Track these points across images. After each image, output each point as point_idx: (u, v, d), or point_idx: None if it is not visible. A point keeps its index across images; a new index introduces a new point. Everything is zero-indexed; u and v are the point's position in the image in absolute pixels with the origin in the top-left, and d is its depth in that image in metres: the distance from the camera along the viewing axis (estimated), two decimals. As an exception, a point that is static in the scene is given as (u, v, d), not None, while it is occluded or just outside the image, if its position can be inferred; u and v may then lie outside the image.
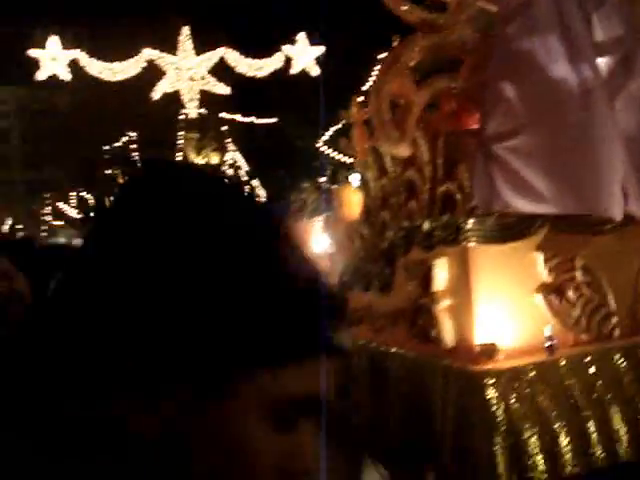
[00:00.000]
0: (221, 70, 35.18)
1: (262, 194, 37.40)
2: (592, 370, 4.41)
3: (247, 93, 35.23)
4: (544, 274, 4.58)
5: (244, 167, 38.08)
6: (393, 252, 5.27)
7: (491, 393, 4.16)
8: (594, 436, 4.24)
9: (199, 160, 40.53)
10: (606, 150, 4.55)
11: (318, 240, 7.31)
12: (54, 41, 31.92)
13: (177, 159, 37.48)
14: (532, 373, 4.29)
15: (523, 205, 4.48)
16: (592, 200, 4.59)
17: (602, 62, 4.70)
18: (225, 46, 34.08)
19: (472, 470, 4.16)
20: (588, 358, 4.41)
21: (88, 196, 39.36)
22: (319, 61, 32.28)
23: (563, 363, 4.36)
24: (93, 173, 39.71)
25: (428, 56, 4.73)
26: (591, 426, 4.24)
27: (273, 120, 36.19)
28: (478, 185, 4.48)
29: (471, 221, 4.45)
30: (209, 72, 34.14)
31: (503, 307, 4.49)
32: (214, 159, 41.74)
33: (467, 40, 4.76)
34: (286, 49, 32.90)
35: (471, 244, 4.47)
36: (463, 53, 4.83)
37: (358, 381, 5.51)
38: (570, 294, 4.60)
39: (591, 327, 4.63)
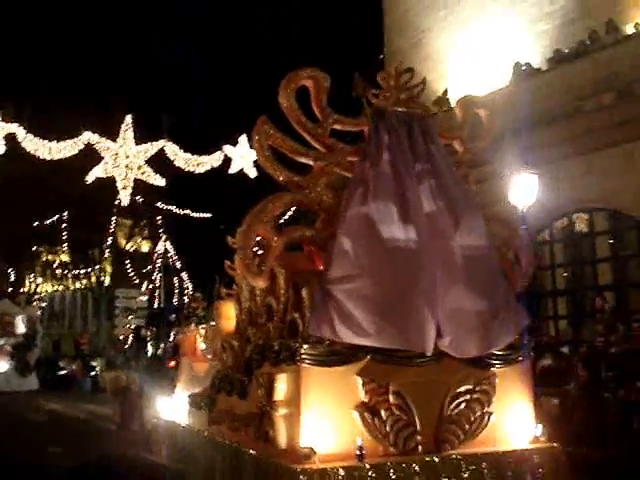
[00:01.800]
0: (160, 161, 36.56)
1: (189, 286, 38.43)
2: (393, 476, 5.64)
3: (184, 186, 36.62)
4: (362, 395, 5.85)
5: (174, 258, 39.07)
6: (251, 364, 6.53)
7: (305, 485, 5.35)
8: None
9: (129, 246, 41.52)
10: (425, 297, 5.92)
11: (201, 346, 8.53)
12: (-9, 112, 32.84)
13: (107, 243, 38.45)
14: (341, 474, 5.50)
15: (350, 337, 5.78)
16: (409, 336, 5.92)
17: (432, 222, 6.13)
18: (166, 138, 35.57)
19: None
20: (389, 466, 5.65)
21: (9, 270, 39.75)
22: (258, 165, 33.92)
23: (368, 468, 5.58)
24: (19, 248, 40.20)
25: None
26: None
27: (207, 215, 37.60)
28: (315, 317, 5.79)
29: (305, 346, 5.75)
30: (146, 162, 35.45)
31: (325, 419, 5.74)
32: (145, 247, 42.77)
33: (323, 199, 6.18)
34: (227, 149, 34.51)
35: (304, 365, 5.74)
36: (319, 209, 6.24)
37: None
38: (382, 413, 5.87)
39: (398, 442, 5.89)
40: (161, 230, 38.64)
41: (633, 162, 14.56)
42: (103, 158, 34.90)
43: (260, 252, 6.25)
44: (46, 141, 33.14)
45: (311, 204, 6.24)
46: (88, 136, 34.04)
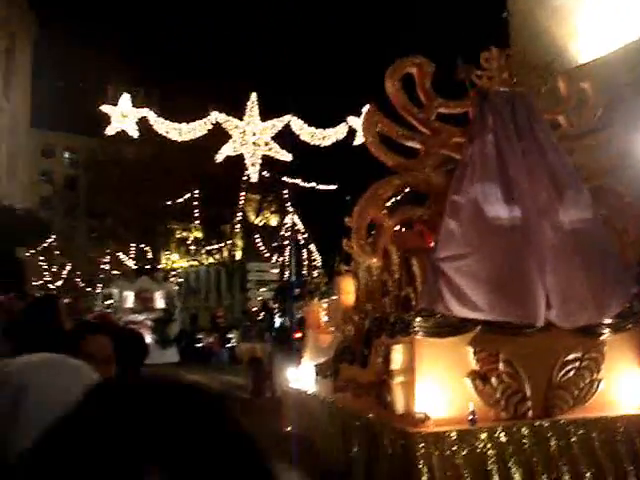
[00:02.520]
0: (286, 136, 37.62)
1: (318, 258, 39.55)
2: (503, 440, 6.11)
3: (310, 159, 37.54)
4: (473, 363, 6.34)
5: (302, 231, 40.19)
6: (370, 336, 7.12)
7: (420, 449, 5.91)
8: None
9: (258, 220, 43.07)
10: (533, 272, 6.32)
11: (324, 319, 9.23)
12: (126, 98, 34.73)
13: (237, 218, 40.05)
14: (454, 437, 6.02)
15: (460, 311, 6.27)
16: (520, 309, 6.34)
17: (537, 198, 6.50)
18: (291, 113, 36.56)
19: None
20: (500, 431, 6.12)
21: (147, 248, 42.07)
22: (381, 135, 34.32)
23: (479, 431, 6.08)
24: (153, 227, 42.53)
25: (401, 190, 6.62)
26: (494, 476, 5.92)
27: (333, 187, 38.44)
28: (427, 292, 6.31)
29: (418, 319, 6.28)
30: (273, 138, 36.60)
31: (438, 386, 6.27)
32: (273, 220, 44.21)
33: (431, 180, 6.65)
34: (350, 120, 35.08)
35: (418, 336, 6.28)
36: (428, 189, 6.72)
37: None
38: (493, 380, 6.34)
39: (508, 407, 6.34)
40: (289, 204, 39.76)
41: None
42: (231, 137, 36.37)
43: (374, 232, 6.81)
44: (176, 123, 34.84)
45: (420, 185, 6.73)
46: (215, 115, 35.49)
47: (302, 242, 39.77)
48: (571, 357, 6.52)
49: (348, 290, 8.10)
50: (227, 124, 35.42)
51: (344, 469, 6.93)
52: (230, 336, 30.15)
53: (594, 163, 7.06)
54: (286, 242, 38.38)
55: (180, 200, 39.27)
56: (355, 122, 35.29)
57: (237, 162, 37.01)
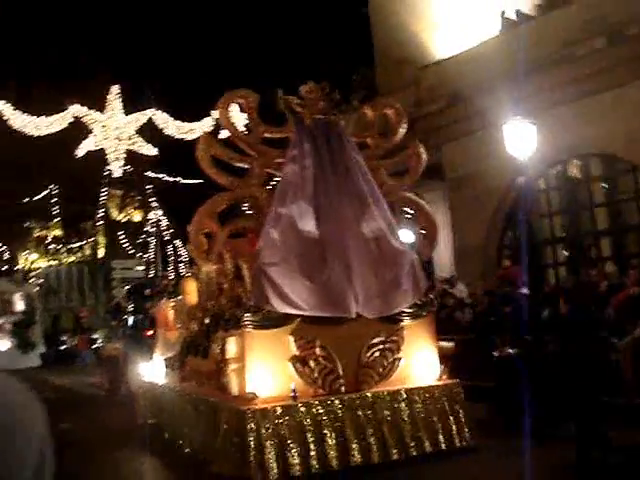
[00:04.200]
0: (149, 129, 38.29)
1: (184, 254, 40.50)
2: (320, 411, 7.68)
3: (173, 153, 38.36)
4: (294, 350, 7.88)
5: (166, 226, 41.01)
6: (209, 330, 8.57)
7: (250, 423, 7.39)
8: (312, 448, 7.48)
9: (121, 217, 43.52)
10: (342, 273, 7.92)
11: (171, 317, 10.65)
12: (-23, 91, 34.48)
13: (99, 215, 40.44)
14: (279, 411, 7.54)
15: (282, 307, 7.79)
16: (333, 305, 7.93)
17: (344, 212, 8.10)
18: (155, 107, 37.27)
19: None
20: (317, 404, 7.69)
21: (2, 248, 41.82)
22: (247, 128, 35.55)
23: (299, 405, 7.62)
24: (9, 226, 42.16)
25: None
26: (311, 443, 7.48)
27: (198, 181, 39.41)
28: (254, 292, 7.80)
29: (247, 314, 7.77)
30: (137, 132, 37.22)
31: (265, 370, 7.78)
32: (136, 217, 44.74)
33: (257, 196, 8.15)
34: (215, 115, 36.18)
35: (247, 329, 7.77)
36: (255, 203, 8.22)
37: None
38: (311, 363, 7.91)
39: (324, 385, 7.93)
40: (152, 199, 40.46)
41: (624, 106, 15.28)
42: (92, 131, 36.71)
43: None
44: (34, 117, 34.80)
45: (247, 200, 8.22)
46: (75, 109, 35.69)
47: (167, 238, 40.65)
48: (376, 341, 8.18)
49: (191, 291, 9.55)
50: (87, 118, 35.78)
51: (191, 449, 8.36)
52: (95, 336, 30.70)
53: (392, 181, 8.76)
54: (151, 238, 39.21)
55: (37, 197, 39.22)
56: (219, 116, 36.39)
57: (97, 157, 37.34)
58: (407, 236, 8.82)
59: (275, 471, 7.31)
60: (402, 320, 8.34)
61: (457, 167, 19.67)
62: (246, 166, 8.29)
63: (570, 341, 8.60)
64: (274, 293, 7.77)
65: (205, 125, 36.99)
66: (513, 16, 19.51)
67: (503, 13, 19.63)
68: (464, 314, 15.07)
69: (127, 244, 40.60)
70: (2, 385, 1.30)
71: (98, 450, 9.35)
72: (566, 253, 18.15)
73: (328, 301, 7.92)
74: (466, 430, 8.15)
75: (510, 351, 9.95)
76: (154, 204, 40.81)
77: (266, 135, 8.39)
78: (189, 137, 37.15)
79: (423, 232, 8.87)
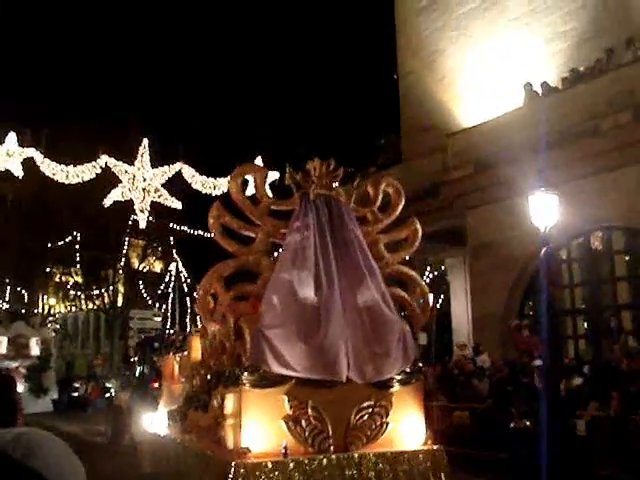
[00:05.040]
0: (176, 184, 39.38)
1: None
2: (308, 468, 8.35)
3: (198, 208, 39.42)
4: (287, 409, 8.58)
5: (186, 279, 41.95)
6: (210, 386, 9.31)
7: (241, 476, 8.07)
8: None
9: (142, 267, 44.57)
10: (336, 340, 8.65)
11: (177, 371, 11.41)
12: (11, 137, 35.87)
13: (120, 263, 41.49)
14: (269, 466, 8.22)
15: (278, 368, 8.52)
16: (326, 369, 8.64)
17: (340, 282, 8.87)
18: (182, 161, 38.48)
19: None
20: (306, 461, 8.35)
21: (23, 292, 42.92)
22: (273, 186, 36.26)
23: (290, 461, 8.29)
24: (31, 269, 43.34)
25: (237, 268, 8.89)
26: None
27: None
28: (253, 352, 8.54)
29: (245, 373, 8.50)
30: (163, 185, 38.34)
31: (259, 427, 8.47)
32: (157, 267, 45.85)
33: (260, 263, 8.95)
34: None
35: (245, 387, 8.49)
36: (258, 270, 9.01)
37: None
38: (303, 422, 8.59)
39: (314, 444, 8.59)
40: (174, 251, 41.50)
41: None
42: (120, 181, 37.87)
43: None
44: (63, 165, 36.07)
45: (252, 267, 9.02)
46: (105, 159, 36.90)
47: (187, 290, 41.57)
48: (365, 405, 8.85)
49: (197, 347, 10.32)
50: (116, 169, 36.98)
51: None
52: (109, 385, 31.35)
53: (389, 255, 9.54)
54: (170, 290, 40.14)
55: (61, 243, 40.37)
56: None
57: (122, 206, 38.38)
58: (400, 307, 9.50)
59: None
60: (391, 386, 9.02)
61: (480, 234, 20.38)
62: (252, 235, 9.10)
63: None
64: (271, 354, 8.50)
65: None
66: (539, 88, 20.31)
67: (528, 85, 20.46)
68: (482, 382, 15.56)
69: (146, 294, 41.55)
70: (51, 441, 1.60)
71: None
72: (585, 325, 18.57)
73: (321, 365, 8.64)
74: (447, 495, 8.78)
75: (527, 423, 10.47)
76: (175, 255, 41.87)
77: (274, 207, 9.21)
78: (214, 192, 38.20)
79: (416, 304, 9.59)
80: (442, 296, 26.86)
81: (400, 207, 9.82)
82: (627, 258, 17.88)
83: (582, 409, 11.54)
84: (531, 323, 17.43)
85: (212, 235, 9.11)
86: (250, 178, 9.48)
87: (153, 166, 38.51)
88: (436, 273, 28.90)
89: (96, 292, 43.08)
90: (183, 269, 41.44)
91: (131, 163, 38.02)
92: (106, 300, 42.97)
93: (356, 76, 34.50)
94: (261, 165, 38.75)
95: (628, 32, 18.63)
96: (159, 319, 40.93)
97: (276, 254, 9.34)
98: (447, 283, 25.81)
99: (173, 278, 41.16)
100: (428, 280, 30.37)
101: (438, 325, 29.14)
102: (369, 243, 9.35)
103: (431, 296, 9.88)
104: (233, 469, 8.14)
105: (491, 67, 22.80)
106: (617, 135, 16.26)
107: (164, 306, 42.41)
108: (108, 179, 37.46)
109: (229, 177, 9.08)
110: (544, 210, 13.28)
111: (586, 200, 16.77)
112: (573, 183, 16.49)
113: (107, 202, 37.55)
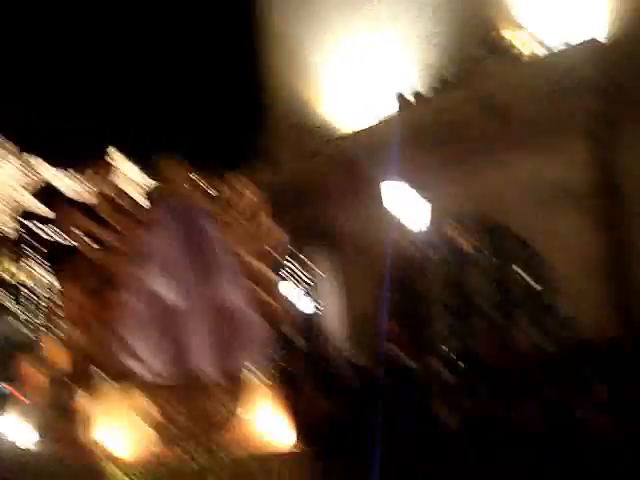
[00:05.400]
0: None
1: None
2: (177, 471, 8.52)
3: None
4: (153, 412, 8.71)
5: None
6: (70, 389, 9.41)
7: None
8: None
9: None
10: (191, 340, 8.86)
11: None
12: None
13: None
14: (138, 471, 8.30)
15: (139, 372, 8.63)
16: (187, 370, 8.83)
17: (195, 286, 9.13)
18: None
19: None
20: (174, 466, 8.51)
21: None
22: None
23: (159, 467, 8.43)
24: None
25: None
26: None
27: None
28: (115, 357, 8.65)
29: (107, 378, 8.62)
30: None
31: (125, 432, 8.58)
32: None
33: (120, 268, 9.09)
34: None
35: (107, 392, 8.61)
36: (118, 275, 9.16)
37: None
38: (169, 425, 8.74)
39: (180, 446, 8.73)
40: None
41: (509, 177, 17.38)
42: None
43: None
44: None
45: (111, 272, 9.17)
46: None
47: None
48: (222, 404, 9.11)
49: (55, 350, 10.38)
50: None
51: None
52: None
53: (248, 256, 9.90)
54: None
55: None
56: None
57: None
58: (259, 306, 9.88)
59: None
60: (246, 384, 9.32)
61: (347, 234, 21.06)
62: (111, 240, 9.23)
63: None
64: (132, 359, 8.64)
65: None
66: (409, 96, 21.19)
67: (399, 94, 21.33)
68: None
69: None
70: None
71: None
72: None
73: (182, 366, 8.85)
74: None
75: None
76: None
77: (129, 211, 9.39)
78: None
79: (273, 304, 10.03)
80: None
81: (262, 210, 10.17)
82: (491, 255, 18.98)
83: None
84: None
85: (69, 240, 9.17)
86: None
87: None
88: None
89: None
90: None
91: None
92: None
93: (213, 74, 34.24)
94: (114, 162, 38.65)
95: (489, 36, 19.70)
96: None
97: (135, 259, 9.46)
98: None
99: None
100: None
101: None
102: (229, 245, 9.64)
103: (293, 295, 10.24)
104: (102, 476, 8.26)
105: (357, 70, 23.43)
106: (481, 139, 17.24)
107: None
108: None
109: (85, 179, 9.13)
110: (400, 201, 13.71)
111: (446, 197, 17.72)
112: (437, 184, 17.47)
113: None
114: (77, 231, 9.14)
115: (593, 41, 17.87)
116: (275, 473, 8.99)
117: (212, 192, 9.91)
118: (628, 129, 16.60)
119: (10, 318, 38.50)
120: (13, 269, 42.98)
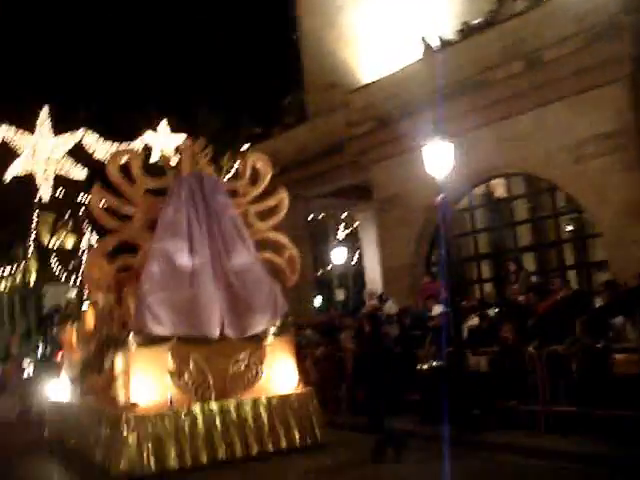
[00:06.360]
0: (80, 151, 39.65)
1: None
2: (193, 415, 9.89)
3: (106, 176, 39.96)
4: (171, 365, 10.09)
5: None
6: (102, 350, 10.78)
7: (129, 426, 9.57)
8: (186, 447, 9.68)
9: (53, 242, 45.00)
10: (209, 300, 10.18)
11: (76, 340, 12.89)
12: None
13: (30, 240, 41.93)
14: (155, 416, 9.72)
15: (160, 330, 10.02)
16: (201, 327, 10.17)
17: (212, 251, 10.38)
18: (85, 128, 38.65)
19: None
20: (190, 410, 9.90)
21: None
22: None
23: (175, 412, 9.82)
24: None
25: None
26: (184, 443, 9.68)
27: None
28: (135, 316, 10.01)
29: (131, 336, 9.97)
30: (67, 154, 38.47)
31: (146, 383, 9.97)
32: (69, 241, 46.30)
33: (139, 236, 10.40)
34: (146, 136, 37.88)
35: (131, 348, 9.97)
36: (138, 243, 10.47)
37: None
38: (185, 375, 10.12)
39: (197, 394, 10.14)
40: (85, 223, 41.97)
41: (542, 128, 16.74)
42: (19, 154, 37.89)
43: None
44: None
45: (132, 240, 10.49)
46: (3, 131, 36.86)
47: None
48: (241, 356, 10.44)
49: (90, 317, 11.78)
50: (15, 141, 36.98)
51: (91, 453, 10.51)
52: (24, 366, 32.15)
53: (259, 222, 11.12)
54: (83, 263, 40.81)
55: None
56: (152, 138, 38.16)
57: (27, 180, 38.43)
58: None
59: (153, 466, 9.51)
60: (264, 339, 10.63)
61: (385, 188, 21.62)
62: (131, 212, 10.54)
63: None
64: (150, 317, 9.98)
65: (134, 147, 38.54)
66: (435, 41, 21.49)
67: (424, 39, 21.68)
68: (392, 329, 16.81)
69: (59, 269, 42.05)
70: None
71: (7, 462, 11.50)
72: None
73: (196, 324, 10.19)
74: (317, 430, 10.46)
75: (434, 364, 11.83)
76: (87, 228, 42.35)
77: (149, 186, 10.67)
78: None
79: (286, 264, 11.21)
80: (357, 251, 28.60)
81: (267, 179, 11.35)
82: (526, 203, 19.22)
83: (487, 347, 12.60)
84: (437, 271, 18.78)
85: (94, 214, 10.50)
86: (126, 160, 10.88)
87: (55, 135, 38.36)
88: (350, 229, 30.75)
89: (7, 272, 43.40)
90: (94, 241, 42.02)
91: (31, 133, 37.90)
92: (18, 279, 43.35)
93: (257, 36, 35.51)
94: (166, 129, 39.95)
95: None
96: (74, 293, 41.48)
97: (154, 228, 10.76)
98: (359, 238, 27.37)
99: (85, 251, 41.75)
100: (343, 236, 32.19)
101: (355, 280, 30.89)
102: (240, 213, 10.88)
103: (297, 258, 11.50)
104: (123, 421, 9.65)
105: (389, 22, 23.85)
106: (510, 85, 17.44)
107: (79, 280, 43.00)
108: (10, 153, 37.42)
109: (108, 161, 10.46)
110: (438, 159, 13.89)
111: (485, 149, 17.93)
112: (472, 133, 17.45)
113: (7, 177, 37.49)
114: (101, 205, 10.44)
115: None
116: (277, 409, 10.39)
117: (224, 163, 11.10)
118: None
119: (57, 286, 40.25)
120: (67, 239, 45.07)
